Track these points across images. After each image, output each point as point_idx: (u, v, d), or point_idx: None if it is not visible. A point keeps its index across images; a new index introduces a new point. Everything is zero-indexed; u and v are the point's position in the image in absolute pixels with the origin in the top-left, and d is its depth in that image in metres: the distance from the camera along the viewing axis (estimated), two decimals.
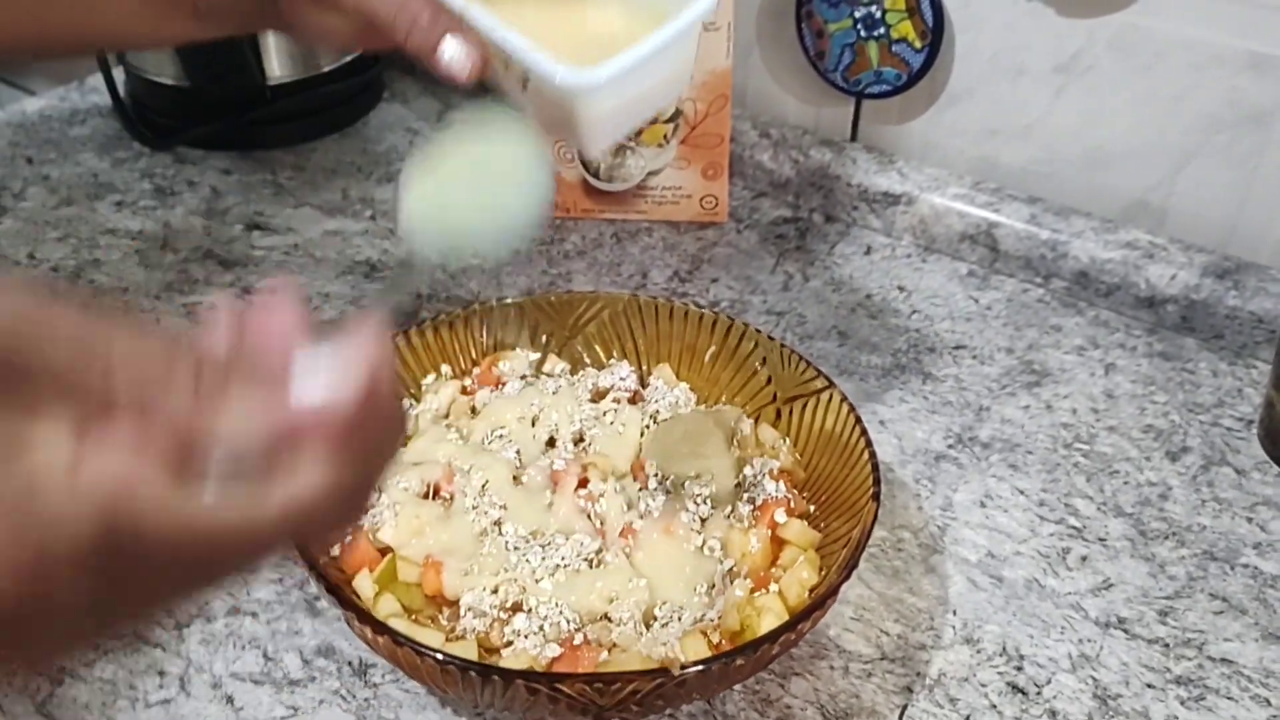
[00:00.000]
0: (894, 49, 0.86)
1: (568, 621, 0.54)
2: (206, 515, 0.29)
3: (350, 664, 0.57)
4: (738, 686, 0.56)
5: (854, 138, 0.93)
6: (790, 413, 0.64)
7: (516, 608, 0.55)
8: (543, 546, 0.57)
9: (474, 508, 0.58)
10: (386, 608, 0.54)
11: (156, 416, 0.29)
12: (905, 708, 0.56)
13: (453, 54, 0.51)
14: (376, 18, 0.52)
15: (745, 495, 0.60)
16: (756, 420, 0.65)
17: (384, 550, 0.57)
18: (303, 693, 0.56)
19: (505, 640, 0.53)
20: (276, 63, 0.96)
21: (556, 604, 0.54)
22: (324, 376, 0.31)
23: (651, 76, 0.50)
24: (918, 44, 0.84)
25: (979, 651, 0.59)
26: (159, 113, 0.99)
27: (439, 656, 0.47)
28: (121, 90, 1.00)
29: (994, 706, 0.57)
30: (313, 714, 0.55)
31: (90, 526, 0.28)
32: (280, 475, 0.30)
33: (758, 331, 0.66)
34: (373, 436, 0.32)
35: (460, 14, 0.51)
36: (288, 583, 0.61)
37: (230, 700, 0.56)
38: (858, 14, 0.86)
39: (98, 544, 0.28)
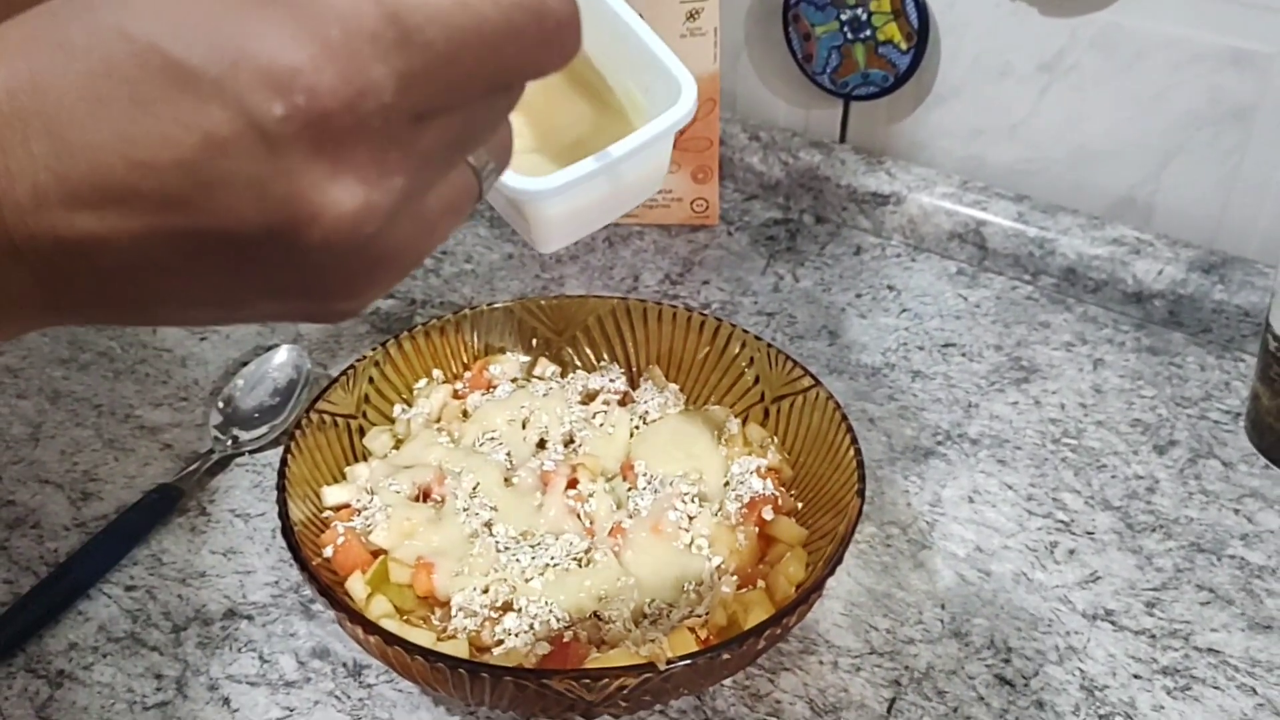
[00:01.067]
0: (880, 51, 0.86)
1: (557, 620, 0.54)
2: None
3: (345, 665, 0.58)
4: (727, 682, 0.57)
5: (843, 139, 0.94)
6: (778, 412, 0.65)
7: (507, 607, 0.55)
8: (533, 547, 0.57)
9: (465, 509, 0.59)
10: (378, 609, 0.55)
11: None
12: (894, 701, 0.57)
13: None
14: None
15: (733, 493, 0.61)
16: (745, 420, 0.66)
17: (376, 553, 0.58)
18: (298, 694, 0.57)
19: (496, 639, 0.54)
20: None
21: (546, 603, 0.55)
22: None
23: (611, 183, 0.49)
24: (903, 46, 0.85)
25: (967, 645, 0.60)
26: None
27: (429, 655, 0.48)
28: None
29: (982, 699, 0.57)
30: (308, 715, 0.56)
31: None
32: None
33: (745, 332, 0.67)
34: None
35: None
36: (283, 586, 0.62)
37: (226, 702, 0.56)
38: (844, 16, 0.86)
39: None
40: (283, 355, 0.74)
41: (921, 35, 0.84)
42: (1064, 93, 0.83)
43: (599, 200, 0.49)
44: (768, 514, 0.59)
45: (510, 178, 0.45)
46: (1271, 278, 0.78)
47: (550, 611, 0.55)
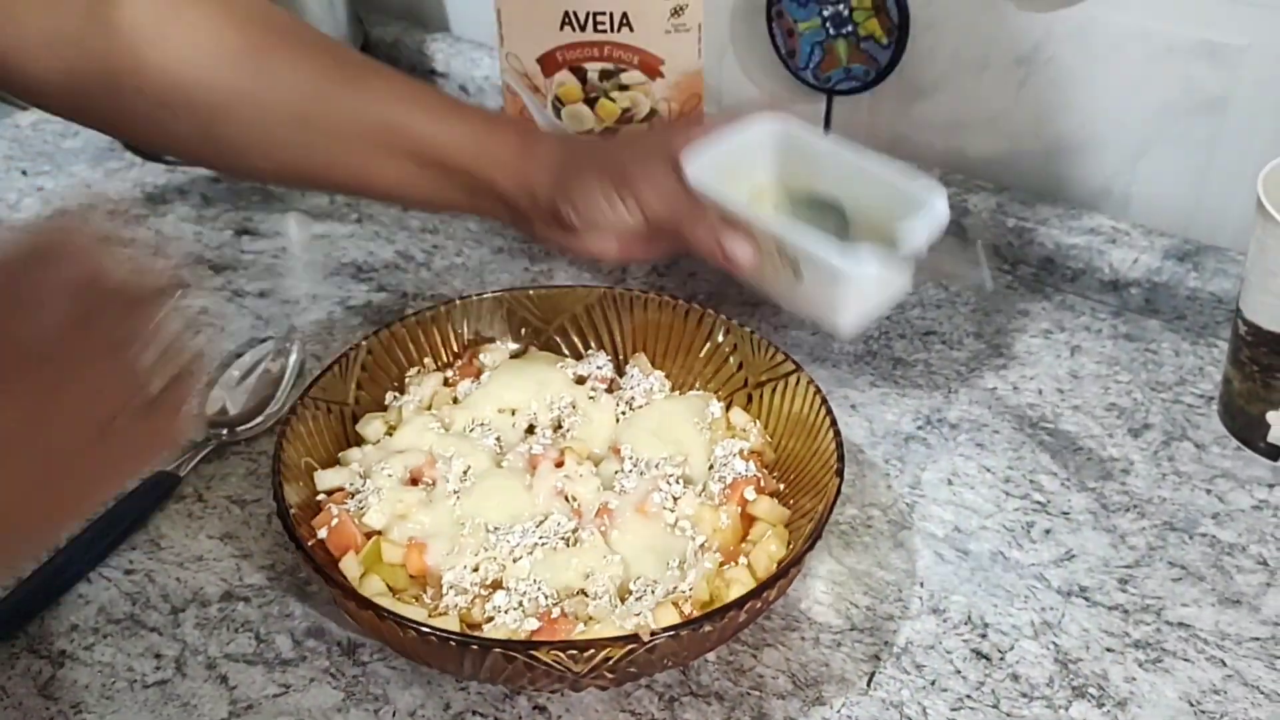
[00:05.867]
0: (862, 46, 0.88)
1: (545, 597, 0.56)
2: None
3: (339, 644, 0.60)
4: (711, 656, 0.59)
5: (826, 133, 0.95)
6: (760, 396, 0.67)
7: (496, 585, 0.57)
8: (521, 527, 0.59)
9: (455, 492, 0.60)
10: (372, 588, 0.57)
11: None
12: (873, 674, 0.59)
13: (741, 251, 0.63)
14: (670, 221, 0.64)
15: (716, 475, 0.62)
16: (729, 405, 0.68)
17: (369, 534, 0.59)
18: (294, 672, 0.58)
19: (486, 616, 0.56)
20: None
21: (535, 581, 0.56)
22: None
23: (904, 269, 0.63)
24: (884, 40, 0.87)
25: (945, 621, 0.61)
26: None
27: (420, 628, 0.50)
28: None
29: (958, 672, 0.59)
30: (303, 692, 0.57)
31: None
32: None
33: (728, 320, 0.68)
34: None
35: (745, 218, 0.63)
36: (279, 569, 0.64)
37: (224, 680, 0.58)
38: (826, 12, 0.88)
39: None
40: (277, 345, 0.76)
41: (902, 30, 0.86)
42: (1041, 86, 0.85)
43: (886, 283, 0.62)
44: (750, 494, 0.61)
45: (847, 263, 0.59)
46: (1243, 265, 0.79)
47: (538, 589, 0.56)
